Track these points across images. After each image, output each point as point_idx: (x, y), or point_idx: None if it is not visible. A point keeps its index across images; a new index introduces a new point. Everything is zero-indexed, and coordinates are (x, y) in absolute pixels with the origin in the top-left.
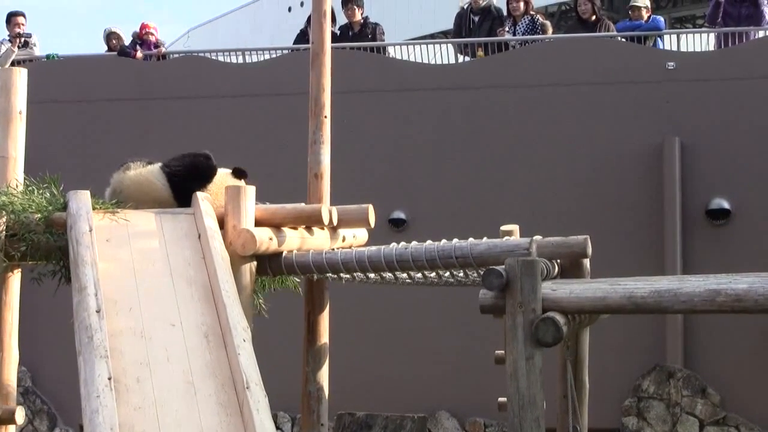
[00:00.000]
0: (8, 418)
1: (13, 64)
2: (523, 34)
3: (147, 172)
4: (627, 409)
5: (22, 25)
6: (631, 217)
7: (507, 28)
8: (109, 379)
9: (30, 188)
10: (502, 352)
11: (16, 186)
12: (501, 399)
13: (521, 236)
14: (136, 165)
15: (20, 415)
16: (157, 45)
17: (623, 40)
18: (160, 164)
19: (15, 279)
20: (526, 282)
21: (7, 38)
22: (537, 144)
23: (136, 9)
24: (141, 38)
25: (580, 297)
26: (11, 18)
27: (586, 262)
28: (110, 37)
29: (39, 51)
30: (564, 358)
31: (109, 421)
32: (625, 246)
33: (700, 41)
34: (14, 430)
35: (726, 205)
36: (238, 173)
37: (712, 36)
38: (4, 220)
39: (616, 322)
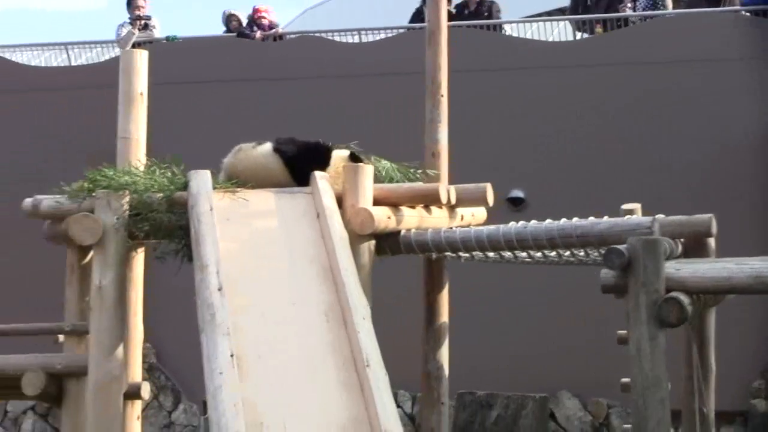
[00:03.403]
0: (135, 393)
1: (133, 46)
2: (643, 10)
3: (260, 156)
4: (756, 391)
5: (143, 7)
6: (757, 194)
7: (628, 4)
8: (232, 356)
9: (152, 168)
10: (625, 332)
11: (139, 166)
12: (624, 379)
13: (643, 215)
14: (247, 147)
15: (146, 390)
16: (271, 27)
17: (747, 14)
18: (271, 144)
19: (139, 258)
20: (648, 261)
21: (128, 21)
22: (659, 120)
23: None
24: (255, 21)
25: (705, 277)
26: (132, 1)
27: (711, 241)
28: (230, 18)
29: (159, 33)
30: (689, 339)
31: (232, 397)
32: (750, 225)
33: None
34: (140, 405)
35: None
36: (353, 159)
37: None
38: (127, 199)
39: (742, 302)
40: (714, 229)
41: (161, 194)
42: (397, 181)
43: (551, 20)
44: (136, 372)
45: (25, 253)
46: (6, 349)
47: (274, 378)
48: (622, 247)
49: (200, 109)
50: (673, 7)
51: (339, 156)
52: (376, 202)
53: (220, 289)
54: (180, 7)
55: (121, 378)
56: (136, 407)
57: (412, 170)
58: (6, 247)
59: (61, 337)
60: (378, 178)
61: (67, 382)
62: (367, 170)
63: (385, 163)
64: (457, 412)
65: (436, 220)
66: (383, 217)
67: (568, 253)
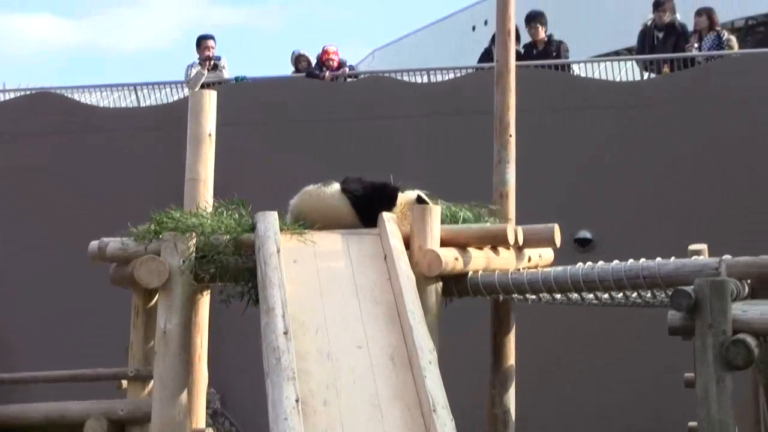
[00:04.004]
0: None
1: (203, 86)
2: (708, 50)
3: (328, 197)
4: None
5: (212, 48)
6: None
7: (695, 44)
8: (297, 401)
9: (219, 210)
10: (692, 374)
11: (206, 208)
12: (691, 423)
13: (710, 256)
14: (315, 188)
15: None
16: (339, 67)
17: None
18: (338, 185)
19: (204, 301)
20: (715, 303)
21: (197, 61)
22: (725, 161)
23: (322, 28)
24: (323, 62)
25: None
26: (201, 41)
27: None
28: (299, 59)
29: (228, 73)
30: (756, 382)
31: None
32: None
33: None
34: None
35: None
36: (420, 201)
37: None
38: (194, 241)
39: None
40: None
41: (228, 236)
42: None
43: (619, 60)
44: (199, 418)
45: (90, 297)
46: (68, 395)
47: (339, 423)
48: (689, 288)
49: (268, 149)
50: (739, 47)
51: (406, 198)
52: (444, 243)
53: (285, 333)
54: (249, 47)
55: (185, 424)
56: None
57: (480, 210)
58: (70, 291)
59: (124, 383)
60: (446, 221)
61: (130, 428)
62: (434, 211)
63: (455, 210)
64: None
65: (503, 262)
66: (451, 259)
67: (635, 294)
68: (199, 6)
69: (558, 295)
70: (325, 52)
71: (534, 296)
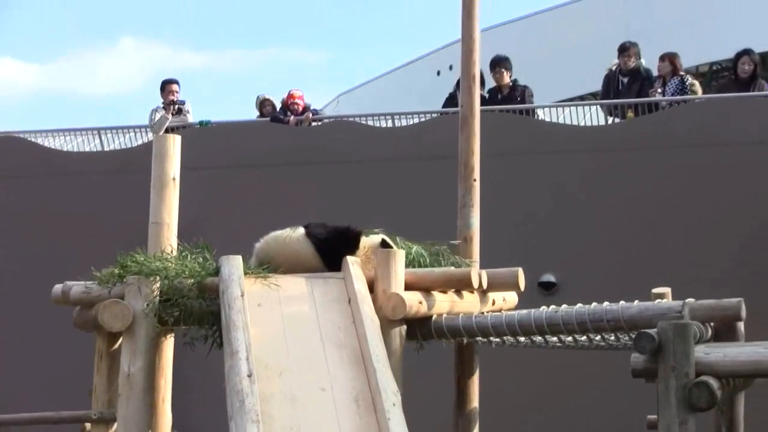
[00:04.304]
0: None
1: (167, 130)
2: (672, 95)
3: (293, 241)
4: None
5: (176, 92)
6: None
7: (659, 90)
8: None
9: (183, 254)
10: (655, 416)
11: (171, 252)
12: None
13: (673, 299)
14: (279, 233)
15: None
16: (304, 112)
17: None
18: (302, 229)
19: (168, 344)
20: (678, 345)
21: (161, 105)
22: (689, 205)
23: (286, 73)
24: (287, 107)
25: (735, 361)
26: (165, 85)
27: (740, 325)
28: (263, 104)
29: (192, 118)
30: (718, 424)
31: None
32: None
33: None
34: None
35: None
36: (384, 245)
37: None
38: (158, 285)
39: None
40: (743, 313)
41: (192, 280)
42: (426, 265)
43: (583, 105)
44: None
45: (53, 340)
46: None
47: None
48: (652, 331)
49: (233, 194)
50: (704, 92)
51: (369, 241)
52: (408, 286)
53: (249, 376)
54: (213, 91)
55: None
56: None
57: (439, 248)
58: (33, 334)
59: (88, 426)
60: (406, 260)
61: None
62: (398, 255)
63: (414, 247)
64: None
65: (467, 305)
66: (415, 302)
67: (598, 337)
68: (164, 50)
69: (522, 338)
70: (290, 96)
71: (498, 339)
